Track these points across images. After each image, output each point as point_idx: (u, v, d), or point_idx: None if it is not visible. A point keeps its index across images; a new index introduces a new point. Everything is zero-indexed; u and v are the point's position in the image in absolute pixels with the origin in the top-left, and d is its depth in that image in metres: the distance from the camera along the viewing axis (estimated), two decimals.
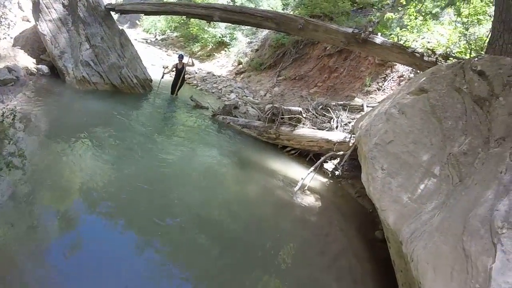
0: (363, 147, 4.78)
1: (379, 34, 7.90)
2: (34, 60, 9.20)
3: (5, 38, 8.68)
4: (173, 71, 10.48)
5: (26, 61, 8.90)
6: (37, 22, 8.91)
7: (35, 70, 8.87)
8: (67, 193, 4.59)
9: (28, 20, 9.94)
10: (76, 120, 7.14)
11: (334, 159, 6.89)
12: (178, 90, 10.35)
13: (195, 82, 13.92)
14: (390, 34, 10.07)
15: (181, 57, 10.45)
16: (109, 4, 10.11)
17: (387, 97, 6.01)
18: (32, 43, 9.55)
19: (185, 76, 10.61)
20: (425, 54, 6.62)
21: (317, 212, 5.56)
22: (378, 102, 7.20)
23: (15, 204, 4.04)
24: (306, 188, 6.00)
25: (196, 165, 6.39)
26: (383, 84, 9.77)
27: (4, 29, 8.45)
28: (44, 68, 9.13)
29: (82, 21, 9.13)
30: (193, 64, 11.09)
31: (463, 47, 8.80)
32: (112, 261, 3.65)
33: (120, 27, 10.58)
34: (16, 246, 3.42)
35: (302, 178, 6.01)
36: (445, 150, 3.61)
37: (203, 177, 6.02)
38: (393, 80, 9.69)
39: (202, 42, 19.52)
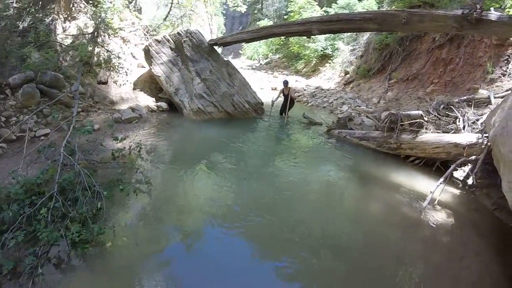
0: (501, 148, 4.26)
1: (492, 9, 6.98)
2: (154, 99, 10.59)
3: (125, 84, 10.25)
4: (281, 96, 10.89)
5: (146, 100, 10.32)
6: (150, 67, 10.31)
7: (155, 107, 10.21)
8: (190, 215, 4.95)
9: (142, 66, 11.47)
10: (196, 148, 7.80)
11: (464, 165, 6.25)
12: (288, 111, 10.66)
13: (305, 99, 14.29)
14: (504, 8, 8.87)
15: (285, 83, 10.85)
16: (211, 40, 11.09)
17: None
18: (149, 84, 10.98)
19: (293, 99, 10.87)
20: None
21: (449, 230, 4.96)
22: (509, 90, 6.40)
23: (143, 224, 4.55)
24: (435, 202, 5.45)
25: (314, 184, 6.29)
26: (507, 68, 8.51)
27: (123, 76, 10.05)
28: (163, 104, 10.43)
29: (190, 59, 10.31)
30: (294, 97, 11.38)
31: None
32: (231, 277, 3.78)
33: (225, 59, 11.52)
34: (144, 256, 3.90)
35: (431, 192, 5.49)
36: None
37: (321, 196, 5.94)
38: None
39: (305, 59, 19.99)
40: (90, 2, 9.90)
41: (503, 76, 8.58)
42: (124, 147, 6.28)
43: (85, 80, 9.02)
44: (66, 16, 9.38)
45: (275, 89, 16.05)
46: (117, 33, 10.70)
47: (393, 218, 5.25)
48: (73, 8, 9.58)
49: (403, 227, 4.99)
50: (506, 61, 8.73)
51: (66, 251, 3.69)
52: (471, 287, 3.91)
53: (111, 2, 10.26)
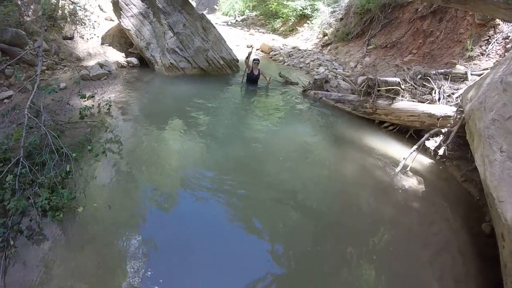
0: (477, 123, 4.32)
1: None
2: (123, 54, 9.98)
3: (92, 38, 9.57)
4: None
5: (115, 56, 9.71)
6: (119, 20, 9.56)
7: (125, 63, 9.65)
8: (163, 175, 4.77)
9: (111, 20, 10.72)
10: (168, 105, 7.51)
11: (437, 136, 6.36)
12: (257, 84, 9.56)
13: (281, 58, 14.02)
14: None
15: (257, 61, 9.49)
16: None
17: (499, 63, 5.30)
18: (119, 39, 10.33)
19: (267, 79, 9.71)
20: None
21: (420, 197, 5.06)
22: (489, 69, 6.46)
23: (114, 186, 4.38)
24: (408, 169, 5.60)
25: (289, 143, 6.25)
26: (486, 48, 8.51)
27: (90, 30, 9.37)
28: (134, 60, 9.85)
29: (162, 12, 9.66)
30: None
31: None
32: (206, 234, 3.82)
33: (200, 13, 10.85)
34: (118, 219, 3.80)
35: (404, 158, 5.65)
36: None
37: (297, 155, 5.87)
38: (497, 43, 8.38)
39: (283, 18, 19.37)
40: None
41: (482, 55, 8.57)
42: (93, 105, 5.94)
43: (49, 36, 8.31)
44: None
45: (251, 46, 15.62)
46: None
47: (367, 181, 5.32)
48: None
49: (376, 190, 5.09)
50: (486, 41, 8.70)
51: (37, 220, 3.47)
52: (439, 251, 4.04)
53: None
